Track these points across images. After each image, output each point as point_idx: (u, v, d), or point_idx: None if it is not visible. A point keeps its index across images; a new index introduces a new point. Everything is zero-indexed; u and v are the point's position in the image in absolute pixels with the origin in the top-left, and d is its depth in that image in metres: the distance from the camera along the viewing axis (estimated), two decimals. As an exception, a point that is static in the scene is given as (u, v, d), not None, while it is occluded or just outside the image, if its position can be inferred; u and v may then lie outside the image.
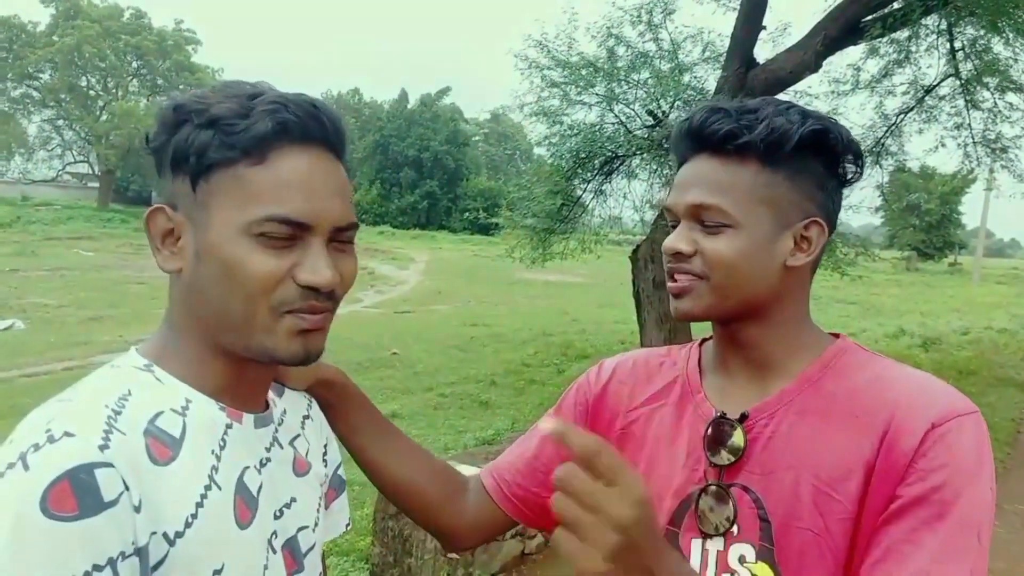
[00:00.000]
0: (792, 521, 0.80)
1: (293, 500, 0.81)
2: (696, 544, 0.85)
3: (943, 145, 8.49)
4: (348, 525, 0.99)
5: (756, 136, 0.81)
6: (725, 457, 0.85)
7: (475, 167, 47.76)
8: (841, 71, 7.90)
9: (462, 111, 50.21)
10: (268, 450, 0.80)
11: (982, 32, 7.06)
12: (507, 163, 46.66)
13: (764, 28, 6.08)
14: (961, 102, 8.07)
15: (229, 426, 0.75)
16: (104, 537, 0.60)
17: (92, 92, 36.06)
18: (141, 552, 0.63)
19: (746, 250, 0.82)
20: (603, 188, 7.46)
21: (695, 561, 0.85)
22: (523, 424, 5.86)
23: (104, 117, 34.31)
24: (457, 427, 5.98)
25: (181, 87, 37.68)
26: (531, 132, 7.47)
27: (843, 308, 17.63)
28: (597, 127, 6.95)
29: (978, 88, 7.78)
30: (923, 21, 6.84)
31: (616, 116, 6.97)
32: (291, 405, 0.89)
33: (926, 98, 8.06)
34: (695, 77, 6.83)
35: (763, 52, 6.40)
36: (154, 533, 0.64)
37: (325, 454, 0.94)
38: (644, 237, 6.41)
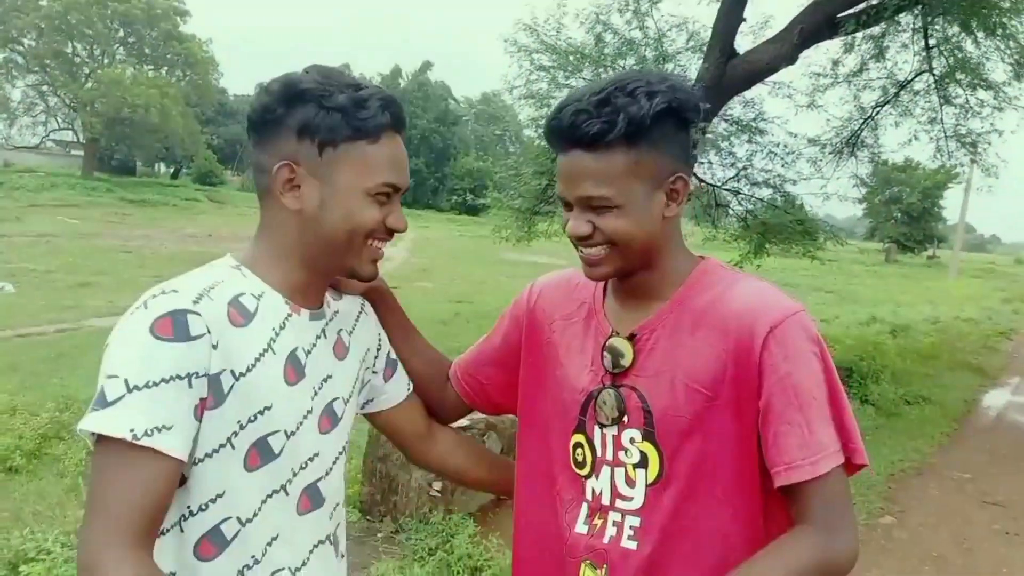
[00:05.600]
0: (668, 411, 1.03)
1: (330, 377, 1.08)
2: (598, 430, 1.08)
3: (916, 139, 8.81)
4: (410, 388, 1.26)
5: (618, 132, 0.97)
6: (618, 365, 1.07)
7: (464, 146, 47.70)
8: (821, 65, 8.18)
9: (451, 89, 49.99)
10: (317, 338, 1.07)
11: (955, 30, 7.36)
12: (496, 144, 46.60)
13: (744, 20, 6.33)
14: (935, 97, 8.38)
15: (289, 316, 1.03)
16: (186, 357, 0.88)
17: (78, 59, 35.51)
18: (212, 379, 0.91)
19: (633, 219, 1.01)
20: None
21: (597, 442, 1.09)
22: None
23: (89, 84, 33.77)
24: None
25: (168, 56, 37.27)
26: (520, 114, 7.68)
27: (820, 296, 18.07)
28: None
29: (951, 84, 8.08)
30: (898, 19, 7.13)
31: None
32: (346, 306, 1.16)
33: (901, 93, 8.35)
34: (679, 65, 7.08)
35: (745, 44, 6.66)
36: (224, 369, 0.92)
37: (379, 343, 1.22)
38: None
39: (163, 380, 0.86)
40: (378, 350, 1.22)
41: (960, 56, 7.68)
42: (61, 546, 2.91)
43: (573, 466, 1.12)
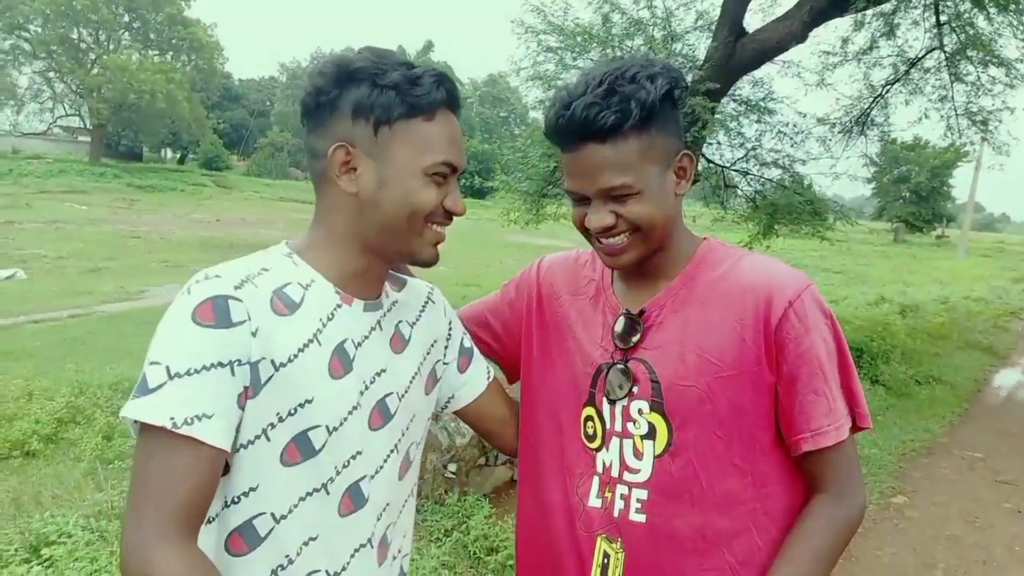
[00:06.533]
0: (677, 381, 1.05)
1: (383, 371, 1.02)
2: (607, 403, 1.10)
3: (927, 117, 8.70)
4: (490, 376, 1.24)
5: (634, 119, 0.99)
6: (628, 341, 1.10)
7: (468, 129, 47.47)
8: (831, 43, 8.08)
9: (453, 71, 49.62)
10: (371, 330, 1.02)
11: (967, 6, 7.25)
12: (501, 126, 46.33)
13: (754, -2, 6.25)
14: (945, 75, 8.27)
15: (339, 306, 0.98)
16: (228, 344, 0.86)
17: (83, 45, 35.44)
18: (253, 366, 0.89)
19: (653, 202, 1.04)
20: (595, 152, 7.62)
21: (607, 414, 1.11)
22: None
23: (96, 70, 33.81)
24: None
25: (173, 41, 37.15)
26: (526, 96, 7.61)
27: (828, 276, 18.01)
28: (591, 92, 7.10)
29: (962, 61, 7.97)
30: (909, -6, 7.02)
31: (610, 81, 7.11)
32: (408, 297, 1.12)
33: (911, 71, 8.25)
34: (687, 45, 7.00)
35: (754, 22, 6.60)
36: (264, 358, 0.89)
37: (449, 333, 1.18)
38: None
39: (204, 367, 0.84)
40: (448, 339, 1.18)
41: (972, 32, 7.56)
42: (82, 529, 2.92)
43: (584, 439, 1.13)
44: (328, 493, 0.96)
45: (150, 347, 0.88)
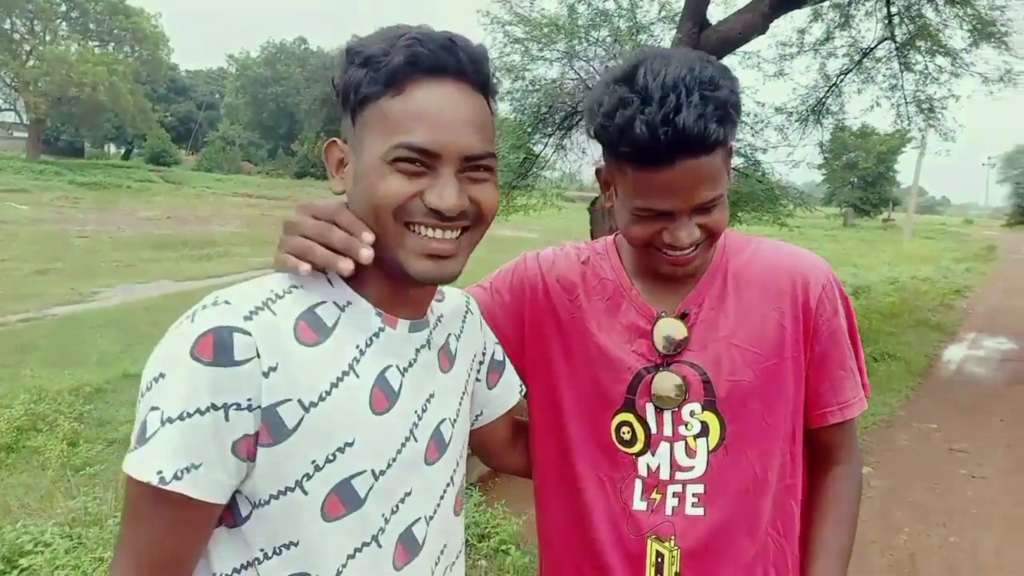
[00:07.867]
0: (725, 376, 1.04)
1: (432, 396, 0.90)
2: (651, 409, 1.06)
3: (878, 105, 9.03)
4: (522, 390, 1.12)
5: (736, 127, 0.93)
6: (675, 345, 1.05)
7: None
8: (787, 35, 8.31)
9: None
10: (418, 352, 0.89)
11: (916, -2, 7.55)
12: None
13: (716, -10, 6.38)
14: (896, 64, 8.59)
15: (382, 329, 0.85)
16: (225, 384, 0.73)
17: (17, 35, 33.89)
18: (266, 411, 0.75)
19: (726, 207, 1.00)
20: (563, 143, 7.74)
21: (651, 420, 1.05)
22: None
23: (32, 62, 32.36)
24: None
25: (115, 31, 35.82)
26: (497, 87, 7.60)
27: (783, 261, 18.44)
28: (558, 83, 7.19)
29: (911, 51, 8.29)
30: (863, -14, 7.26)
31: (576, 73, 7.22)
32: (452, 307, 0.99)
33: (864, 60, 8.54)
34: (652, 36, 7.10)
35: (716, 13, 6.73)
36: (288, 399, 0.76)
37: (484, 347, 1.06)
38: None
39: (198, 411, 0.72)
40: (483, 354, 1.06)
41: (921, 23, 7.87)
42: (60, 537, 2.83)
43: (618, 444, 1.09)
44: (380, 546, 0.85)
45: (147, 375, 0.76)
